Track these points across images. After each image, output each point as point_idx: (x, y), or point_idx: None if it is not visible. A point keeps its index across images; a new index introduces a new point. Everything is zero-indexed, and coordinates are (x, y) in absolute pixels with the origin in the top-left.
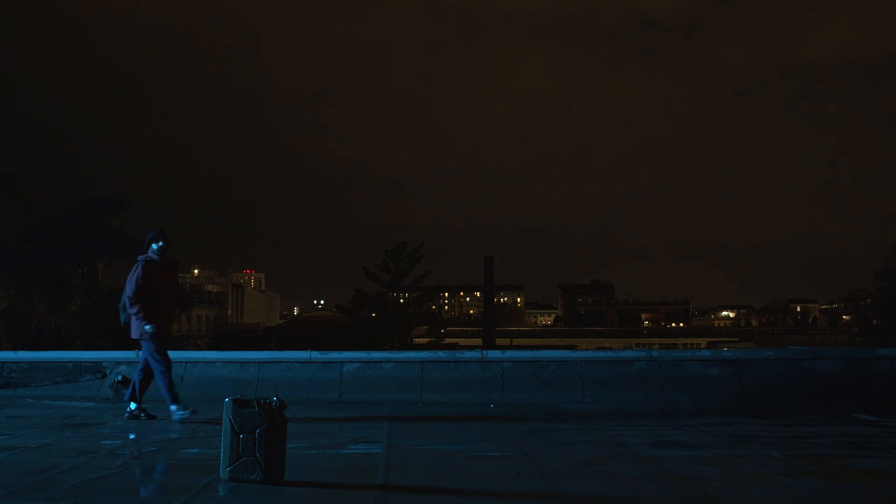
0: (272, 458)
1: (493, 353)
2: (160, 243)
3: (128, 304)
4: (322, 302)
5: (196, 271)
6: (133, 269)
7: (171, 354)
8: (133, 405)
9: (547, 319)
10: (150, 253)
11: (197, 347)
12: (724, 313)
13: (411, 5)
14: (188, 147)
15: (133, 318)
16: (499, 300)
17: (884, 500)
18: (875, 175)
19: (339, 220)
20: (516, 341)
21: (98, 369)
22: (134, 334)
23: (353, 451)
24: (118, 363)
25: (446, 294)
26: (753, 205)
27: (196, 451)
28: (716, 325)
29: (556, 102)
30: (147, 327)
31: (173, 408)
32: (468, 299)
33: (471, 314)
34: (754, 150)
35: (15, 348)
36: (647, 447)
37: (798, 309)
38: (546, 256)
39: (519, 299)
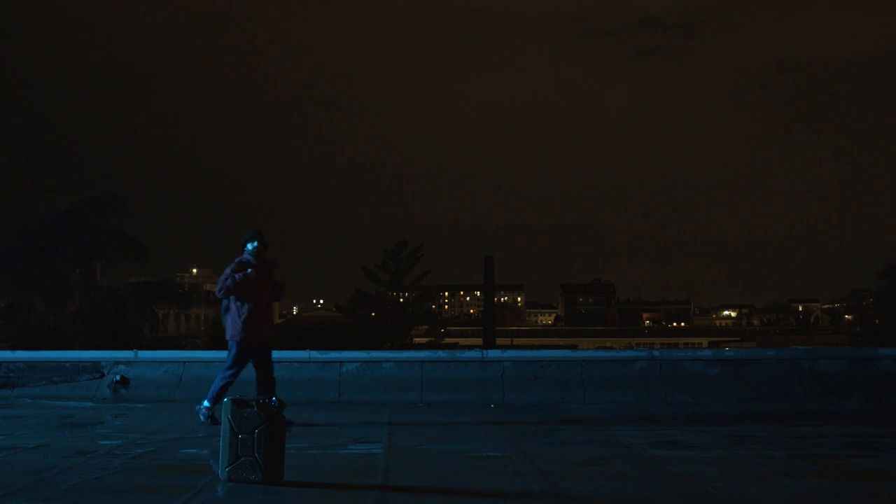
0: (271, 458)
1: (493, 353)
2: (255, 244)
3: (221, 297)
4: (321, 301)
5: (194, 270)
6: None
7: (169, 354)
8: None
9: (547, 319)
10: (245, 254)
11: (196, 347)
12: (726, 313)
13: (409, 4)
14: (187, 146)
15: (227, 318)
16: (499, 300)
17: (885, 500)
18: (877, 174)
19: (338, 219)
20: (517, 341)
21: (96, 369)
22: (227, 335)
23: (353, 451)
24: (116, 363)
25: (446, 293)
26: (755, 204)
27: (195, 451)
28: (717, 324)
29: (556, 101)
30: (238, 276)
31: (205, 404)
32: (468, 299)
33: (471, 314)
34: (755, 149)
35: (13, 348)
36: (648, 447)
37: (800, 308)
38: (546, 255)
39: (519, 299)
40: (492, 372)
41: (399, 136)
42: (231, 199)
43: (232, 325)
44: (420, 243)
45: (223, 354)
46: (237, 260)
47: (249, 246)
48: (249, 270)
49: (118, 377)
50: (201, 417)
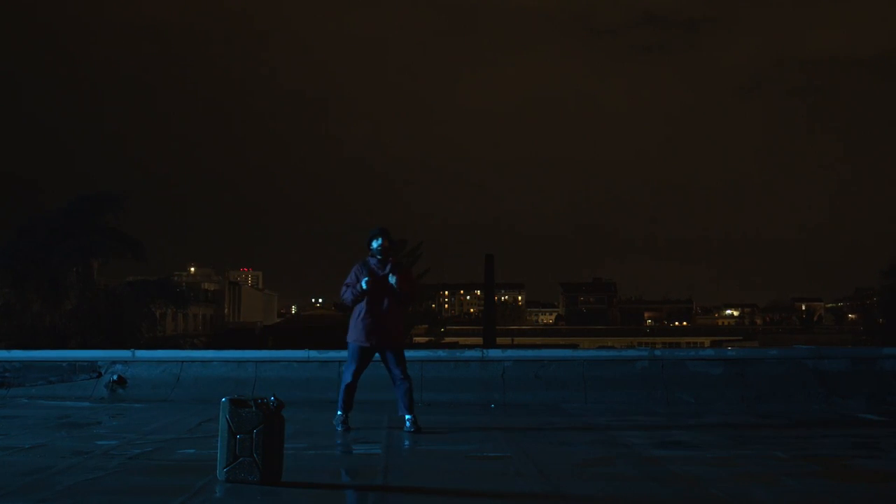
0: (270, 458)
1: (493, 353)
2: (379, 241)
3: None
4: (320, 300)
5: (192, 269)
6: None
7: (167, 354)
8: (408, 418)
9: (548, 318)
10: (371, 253)
11: (193, 346)
12: (728, 312)
13: (408, 0)
14: (184, 143)
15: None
16: (499, 298)
17: (890, 501)
18: (882, 171)
19: (337, 217)
20: (517, 340)
21: (93, 369)
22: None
23: (353, 451)
24: (113, 362)
25: (446, 292)
26: (758, 202)
27: (192, 451)
28: (719, 323)
29: (558, 98)
30: (359, 286)
31: (338, 413)
32: (468, 298)
33: (471, 313)
34: (759, 147)
35: (9, 347)
36: (650, 448)
37: (803, 307)
38: (547, 254)
39: (520, 298)
40: (492, 371)
41: (398, 133)
42: (229, 198)
43: (352, 326)
44: (419, 241)
45: (222, 354)
46: (362, 261)
47: (374, 244)
48: (366, 280)
49: (115, 377)
50: (337, 427)
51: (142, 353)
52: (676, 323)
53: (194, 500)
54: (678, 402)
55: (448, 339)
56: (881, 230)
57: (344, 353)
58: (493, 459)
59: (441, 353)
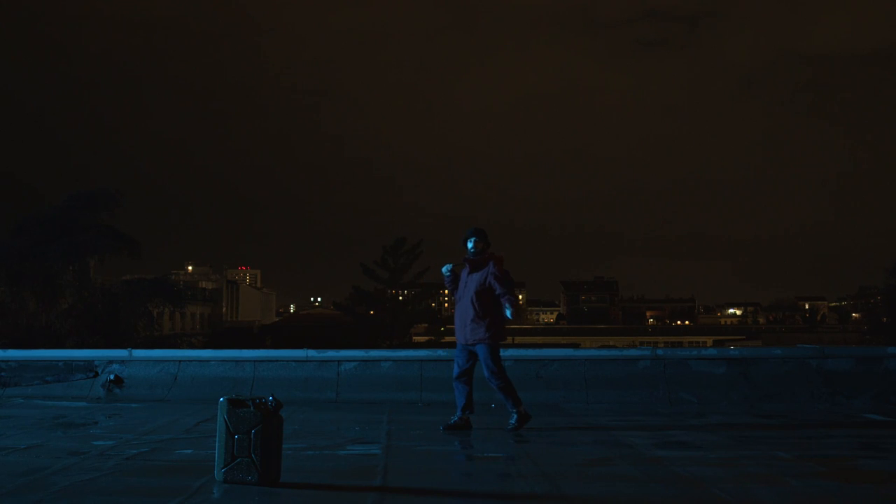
0: (268, 459)
1: None
2: (473, 239)
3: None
4: (319, 299)
5: (190, 268)
6: None
7: (164, 353)
8: (513, 416)
9: (549, 317)
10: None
11: (191, 346)
12: (731, 311)
13: None
14: (182, 142)
15: None
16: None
17: (894, 502)
18: (886, 169)
19: (336, 215)
20: (518, 339)
21: (90, 368)
22: None
23: (351, 451)
24: (110, 362)
25: (446, 291)
26: (760, 200)
27: (190, 451)
28: (722, 322)
29: (559, 94)
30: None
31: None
32: None
33: None
34: (761, 144)
35: (4, 346)
36: (652, 448)
37: (806, 306)
38: (548, 253)
39: (521, 296)
40: None
41: (397, 130)
42: (227, 195)
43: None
44: (419, 240)
45: (220, 353)
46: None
47: (468, 244)
48: (448, 275)
49: (112, 376)
50: (513, 424)
51: (139, 353)
52: (679, 322)
53: (192, 500)
54: (681, 402)
55: (448, 339)
56: (885, 228)
57: (342, 353)
58: (495, 460)
59: (441, 353)
